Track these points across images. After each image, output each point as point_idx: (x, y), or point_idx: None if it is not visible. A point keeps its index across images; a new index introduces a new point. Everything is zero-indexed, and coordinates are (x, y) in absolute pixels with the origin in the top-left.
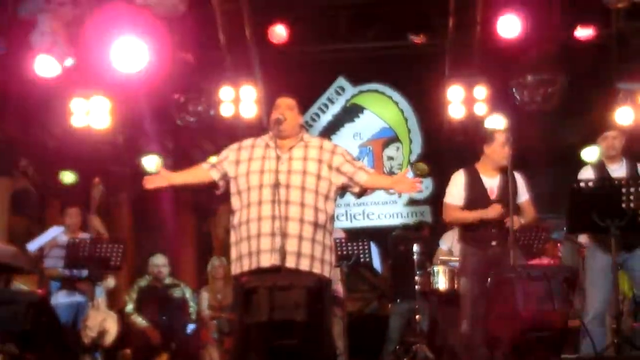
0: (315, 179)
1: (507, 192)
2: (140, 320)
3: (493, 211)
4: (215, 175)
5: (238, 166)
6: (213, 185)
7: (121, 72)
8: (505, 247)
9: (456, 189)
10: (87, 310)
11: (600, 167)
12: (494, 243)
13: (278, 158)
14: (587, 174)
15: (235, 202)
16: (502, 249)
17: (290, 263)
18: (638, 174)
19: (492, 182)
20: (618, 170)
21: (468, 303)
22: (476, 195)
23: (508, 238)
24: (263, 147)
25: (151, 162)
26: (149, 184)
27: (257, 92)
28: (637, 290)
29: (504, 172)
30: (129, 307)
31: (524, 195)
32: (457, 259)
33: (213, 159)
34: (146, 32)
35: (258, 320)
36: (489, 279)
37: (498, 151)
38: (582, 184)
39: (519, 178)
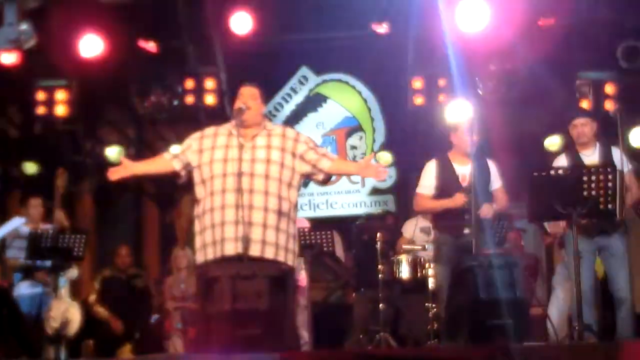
0: (278, 167)
1: (477, 180)
2: (103, 311)
3: (457, 200)
4: (177, 165)
5: (201, 155)
6: (175, 175)
7: (84, 61)
8: (479, 235)
9: (428, 178)
10: (50, 300)
11: (573, 155)
12: (466, 231)
13: (241, 147)
14: (560, 163)
15: (199, 191)
16: (471, 236)
17: (254, 251)
18: (612, 159)
19: (464, 170)
20: (591, 156)
21: (444, 291)
22: (447, 183)
23: (480, 225)
24: (226, 136)
25: (113, 153)
26: (113, 175)
27: (219, 81)
28: (610, 287)
29: (476, 160)
30: (92, 298)
31: (496, 182)
32: (420, 247)
33: (176, 149)
34: (108, 22)
35: (221, 310)
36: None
37: (463, 139)
38: (543, 172)
39: (491, 166)
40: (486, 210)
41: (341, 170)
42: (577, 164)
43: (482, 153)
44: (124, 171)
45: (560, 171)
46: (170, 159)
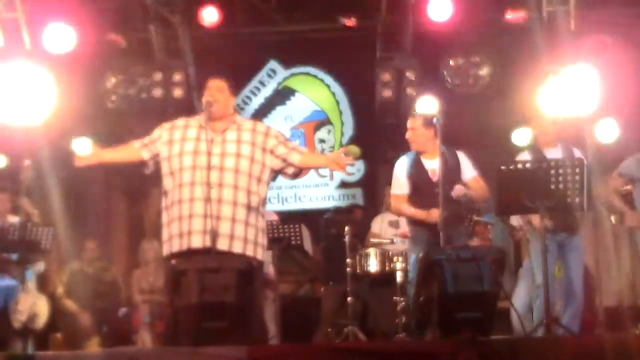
0: (248, 161)
1: (447, 172)
2: (71, 304)
3: (432, 215)
4: (145, 155)
5: (171, 146)
6: (142, 164)
7: (51, 54)
8: (456, 227)
9: (399, 177)
10: (17, 294)
11: (536, 151)
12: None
13: (212, 140)
14: (524, 158)
15: (167, 182)
16: (452, 229)
17: (222, 245)
18: (574, 156)
19: (433, 164)
20: (554, 154)
21: (413, 280)
22: (418, 180)
23: (456, 218)
24: (197, 128)
25: (81, 145)
26: (79, 162)
27: (187, 74)
28: (565, 280)
29: (445, 154)
30: (60, 291)
31: (469, 172)
32: (388, 241)
33: (145, 138)
34: (76, 14)
35: (188, 303)
36: (419, 260)
37: (419, 135)
38: (511, 166)
39: (462, 157)
40: (459, 190)
41: (310, 163)
42: (544, 158)
43: (449, 146)
44: (90, 158)
45: (527, 165)
46: (139, 148)
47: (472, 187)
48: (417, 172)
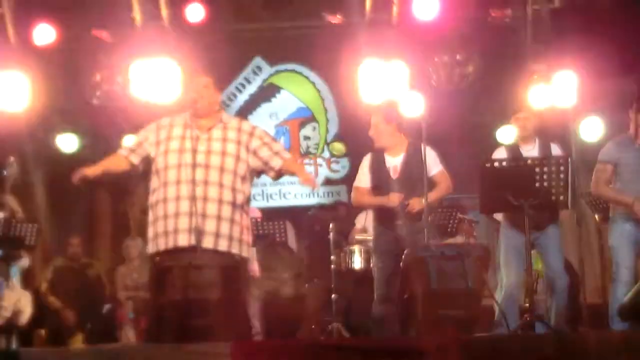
0: (234, 160)
1: (410, 169)
2: (55, 300)
3: (392, 199)
4: (135, 160)
5: (158, 147)
6: (133, 169)
7: (35, 49)
8: (413, 225)
9: (363, 171)
10: (1, 290)
11: (513, 148)
12: (398, 222)
13: (197, 138)
14: (499, 155)
15: (153, 181)
16: (409, 227)
17: (208, 244)
18: (551, 155)
19: (395, 161)
20: (531, 151)
21: (380, 281)
22: (379, 176)
23: (417, 216)
24: (182, 127)
25: (66, 142)
26: (78, 181)
27: (173, 71)
28: (546, 270)
29: (410, 149)
30: (44, 287)
31: (435, 167)
32: (372, 238)
33: (130, 139)
34: (60, 9)
35: (172, 299)
36: (403, 257)
37: (380, 131)
38: (495, 164)
39: (428, 152)
40: (414, 204)
41: (289, 170)
42: (515, 157)
43: (415, 141)
44: (88, 176)
45: (512, 163)
46: (128, 155)
47: (437, 182)
48: (379, 169)
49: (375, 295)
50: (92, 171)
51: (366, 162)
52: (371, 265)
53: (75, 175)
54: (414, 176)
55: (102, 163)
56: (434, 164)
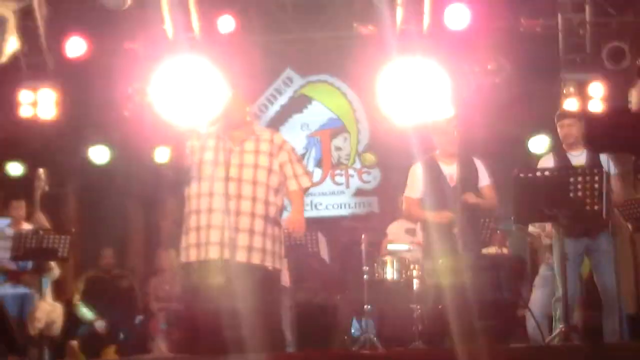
0: (266, 172)
1: (465, 178)
2: (87, 312)
3: (443, 217)
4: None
5: (193, 156)
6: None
7: (68, 61)
8: (471, 235)
9: (414, 181)
10: (32, 301)
11: (561, 155)
12: (455, 231)
13: (230, 151)
14: (547, 162)
15: (187, 190)
16: (468, 237)
17: (241, 257)
18: (599, 160)
19: (450, 169)
20: (579, 156)
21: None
22: (435, 184)
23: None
24: (215, 139)
25: (98, 153)
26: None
27: None
28: (599, 288)
29: (463, 159)
30: (76, 298)
31: (484, 180)
32: (405, 248)
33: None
34: (94, 23)
35: (206, 310)
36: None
37: (443, 140)
38: (529, 174)
39: (479, 165)
40: (469, 197)
41: (291, 200)
42: (562, 166)
43: (466, 152)
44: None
45: (546, 172)
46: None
47: (484, 196)
48: (436, 177)
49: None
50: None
51: (418, 171)
52: (403, 276)
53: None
54: (469, 185)
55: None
56: (483, 177)
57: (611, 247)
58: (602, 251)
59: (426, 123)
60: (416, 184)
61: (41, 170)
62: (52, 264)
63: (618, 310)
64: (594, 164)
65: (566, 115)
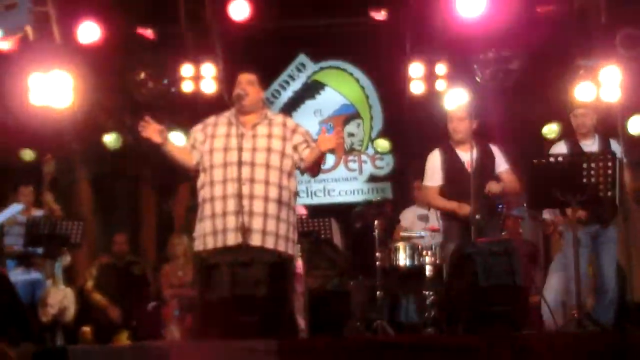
0: (279, 156)
1: (483, 164)
2: (100, 298)
3: (463, 209)
4: (197, 157)
5: (204, 145)
6: (195, 168)
7: (81, 47)
8: (488, 221)
9: (433, 169)
10: (43, 287)
11: (573, 143)
12: (477, 216)
13: (242, 135)
14: (559, 149)
15: (200, 179)
16: (485, 223)
17: (255, 241)
18: (611, 149)
19: (467, 156)
20: (591, 146)
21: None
22: (454, 171)
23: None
24: (226, 125)
25: (111, 140)
26: (144, 130)
27: (217, 68)
28: (597, 273)
29: (479, 146)
30: (89, 284)
31: (502, 165)
32: (418, 235)
33: (176, 136)
34: (105, 7)
35: (219, 296)
36: (450, 253)
37: (458, 127)
38: (542, 159)
39: (495, 150)
40: (493, 186)
41: (311, 154)
42: (576, 151)
43: (482, 138)
44: (156, 135)
45: (559, 158)
46: (191, 151)
47: (505, 180)
48: (454, 164)
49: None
50: (161, 137)
51: (436, 158)
52: (416, 262)
53: (144, 128)
54: (487, 172)
55: (175, 146)
56: (500, 162)
57: (615, 240)
58: (608, 241)
59: (441, 110)
60: (434, 171)
61: (50, 157)
62: (64, 250)
63: (616, 300)
64: (607, 150)
65: (580, 105)
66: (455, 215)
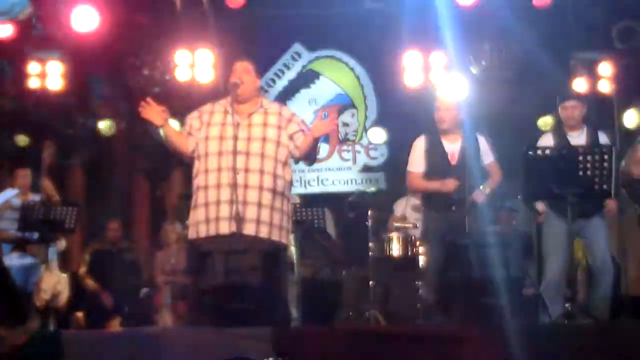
0: (274, 145)
1: (468, 157)
2: (92, 283)
3: (448, 185)
4: (192, 144)
5: (199, 133)
6: (191, 155)
7: (76, 33)
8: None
9: (417, 155)
10: (38, 272)
11: (560, 135)
12: (454, 208)
13: (237, 125)
14: (546, 141)
15: (195, 166)
16: (463, 213)
17: (249, 230)
18: (598, 142)
19: (453, 147)
20: (578, 137)
21: (432, 268)
22: (436, 161)
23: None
24: (222, 113)
25: (105, 126)
26: (146, 113)
27: (213, 56)
28: (590, 260)
29: (466, 137)
30: (82, 270)
31: (487, 157)
32: (411, 225)
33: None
34: None
35: (213, 284)
36: (447, 244)
37: (440, 116)
38: (538, 152)
39: (482, 141)
40: (478, 196)
41: (305, 141)
42: (562, 144)
43: (470, 129)
44: (156, 117)
45: (555, 151)
46: (187, 137)
47: (489, 172)
48: (437, 154)
49: (425, 282)
50: (162, 119)
51: (420, 144)
52: (410, 253)
53: (146, 110)
54: (471, 164)
55: (174, 129)
56: (487, 154)
57: (605, 227)
58: (596, 229)
59: (432, 98)
60: (418, 158)
61: (48, 142)
62: (59, 235)
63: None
64: (594, 144)
65: (569, 97)
66: (437, 209)
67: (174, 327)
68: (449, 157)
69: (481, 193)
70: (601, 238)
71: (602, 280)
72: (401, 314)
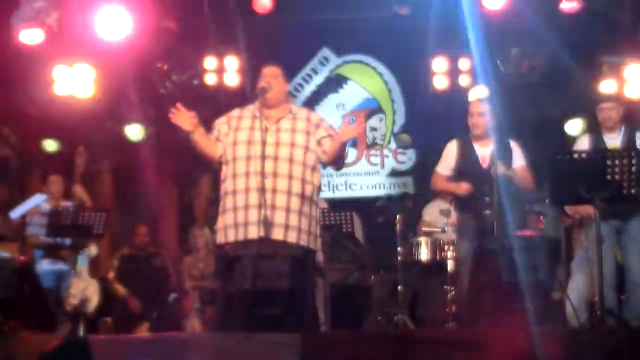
0: (303, 150)
1: (499, 161)
2: (121, 289)
3: (461, 188)
4: (220, 149)
5: (227, 138)
6: (219, 160)
7: (105, 40)
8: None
9: (447, 158)
10: (69, 278)
11: (596, 137)
12: (487, 212)
13: (266, 129)
14: (582, 144)
15: (223, 171)
16: (494, 217)
17: (277, 235)
18: (635, 143)
19: (484, 151)
20: (614, 139)
21: (465, 269)
22: (467, 165)
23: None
24: (250, 118)
25: (133, 132)
26: (176, 118)
27: (240, 61)
28: (625, 270)
29: (498, 142)
30: (111, 275)
31: (519, 161)
32: (439, 230)
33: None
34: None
35: (241, 289)
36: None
37: (471, 122)
38: (566, 156)
39: (514, 146)
40: (500, 167)
41: (332, 145)
42: (599, 148)
43: (501, 134)
44: (186, 123)
45: (583, 154)
46: (216, 142)
47: (519, 176)
48: (469, 157)
49: (456, 285)
50: (192, 125)
51: (452, 148)
52: (438, 257)
53: (176, 116)
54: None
55: (204, 135)
56: (517, 158)
57: None
58: (633, 238)
59: (464, 105)
60: (448, 160)
61: (82, 148)
62: (90, 241)
63: None
64: (630, 146)
65: (606, 98)
66: (470, 212)
67: (202, 332)
68: (480, 160)
69: (505, 167)
70: (637, 248)
71: (635, 293)
72: (430, 319)
